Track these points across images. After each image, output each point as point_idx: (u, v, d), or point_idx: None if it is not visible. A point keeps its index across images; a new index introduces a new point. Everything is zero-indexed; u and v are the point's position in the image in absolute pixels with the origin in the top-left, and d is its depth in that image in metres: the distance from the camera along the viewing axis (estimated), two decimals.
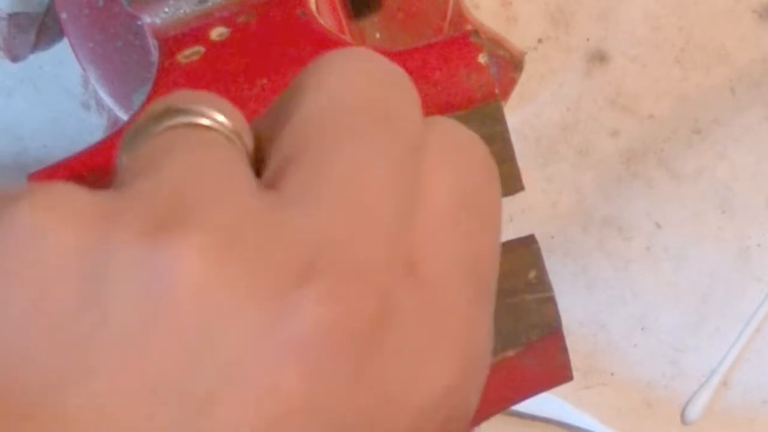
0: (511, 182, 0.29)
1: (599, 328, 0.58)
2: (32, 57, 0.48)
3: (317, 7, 0.31)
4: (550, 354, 0.30)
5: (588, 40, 0.56)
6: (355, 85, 0.20)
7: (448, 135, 0.21)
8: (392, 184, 0.18)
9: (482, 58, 0.29)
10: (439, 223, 0.19)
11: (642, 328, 0.58)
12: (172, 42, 0.30)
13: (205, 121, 0.19)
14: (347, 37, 0.34)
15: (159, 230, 0.17)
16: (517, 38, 0.56)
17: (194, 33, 0.30)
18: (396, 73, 0.21)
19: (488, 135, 0.29)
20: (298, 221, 0.17)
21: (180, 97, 0.20)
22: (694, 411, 0.58)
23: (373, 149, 0.19)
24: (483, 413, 0.30)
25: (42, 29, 0.46)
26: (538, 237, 0.30)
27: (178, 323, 0.16)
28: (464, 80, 0.29)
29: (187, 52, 0.29)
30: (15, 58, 0.47)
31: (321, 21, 0.30)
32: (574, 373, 0.30)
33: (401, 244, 0.18)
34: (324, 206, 0.18)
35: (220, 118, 0.19)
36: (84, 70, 0.41)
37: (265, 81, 0.29)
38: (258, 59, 0.29)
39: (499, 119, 0.29)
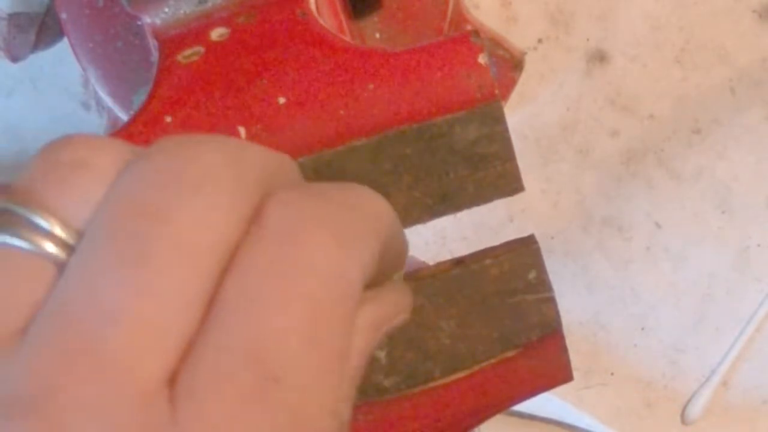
0: (511, 182, 0.29)
1: (599, 328, 0.58)
2: (32, 57, 0.48)
3: (317, 8, 0.31)
4: (550, 354, 0.30)
5: (588, 40, 0.56)
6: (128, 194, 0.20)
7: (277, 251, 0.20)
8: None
9: (482, 59, 0.29)
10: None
11: (642, 328, 0.58)
12: (172, 42, 0.30)
13: (18, 242, 0.19)
14: (347, 38, 0.34)
15: None
16: (517, 38, 0.56)
17: (194, 33, 0.30)
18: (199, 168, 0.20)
19: (488, 135, 0.29)
20: (13, 366, 0.18)
21: (22, 189, 0.20)
22: (694, 411, 0.58)
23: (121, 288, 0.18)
24: (483, 413, 0.30)
25: (42, 29, 0.46)
26: (538, 237, 0.30)
27: None
28: (464, 80, 0.29)
29: (187, 52, 0.29)
30: (15, 58, 0.47)
31: (321, 21, 0.30)
32: (574, 373, 0.30)
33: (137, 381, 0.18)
34: (42, 353, 0.18)
35: (46, 225, 0.19)
36: (84, 70, 0.41)
37: (265, 81, 0.29)
38: (258, 59, 0.29)
39: (499, 119, 0.29)
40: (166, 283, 0.18)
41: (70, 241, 0.19)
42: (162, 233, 0.19)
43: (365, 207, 0.22)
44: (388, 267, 0.24)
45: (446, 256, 0.31)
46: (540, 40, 0.56)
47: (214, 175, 0.20)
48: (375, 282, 0.24)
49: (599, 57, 0.56)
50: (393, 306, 0.24)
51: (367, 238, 0.21)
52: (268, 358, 0.18)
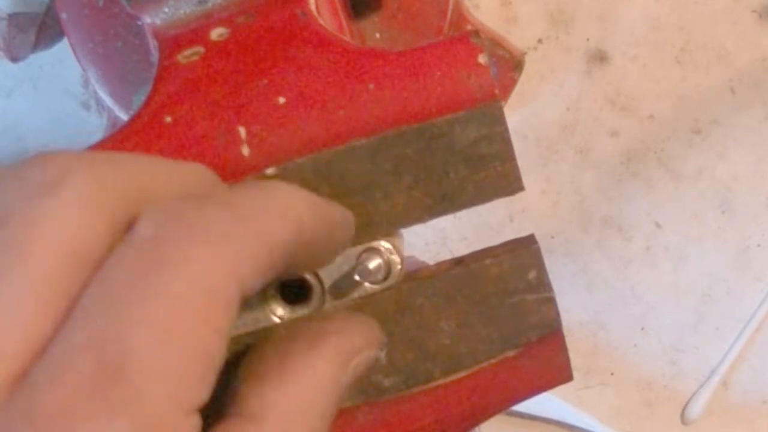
0: (511, 182, 0.29)
1: (599, 328, 0.58)
2: (32, 57, 0.48)
3: (317, 8, 0.31)
4: (550, 354, 0.30)
5: (588, 40, 0.56)
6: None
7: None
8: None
9: (482, 59, 0.29)
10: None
11: (642, 328, 0.58)
12: (172, 42, 0.30)
13: None
14: (347, 38, 0.34)
15: None
16: (517, 38, 0.56)
17: (194, 33, 0.30)
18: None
19: (488, 135, 0.29)
20: None
21: None
22: (694, 411, 0.58)
23: None
24: (483, 413, 0.30)
25: (42, 29, 0.46)
26: (538, 237, 0.30)
27: None
28: (464, 80, 0.29)
29: (187, 52, 0.29)
30: (15, 58, 0.47)
31: (321, 21, 0.30)
32: (574, 373, 0.30)
33: None
34: None
35: None
36: (84, 70, 0.41)
37: (265, 81, 0.29)
38: (258, 59, 0.29)
39: (499, 119, 0.29)
40: (13, 289, 0.19)
41: None
42: (9, 239, 0.19)
43: (263, 209, 0.22)
44: (316, 256, 0.25)
45: (446, 256, 0.31)
46: (540, 40, 0.56)
47: (70, 182, 0.20)
48: (304, 265, 0.24)
49: (599, 57, 0.56)
50: (360, 339, 0.24)
51: (250, 242, 0.21)
52: (111, 349, 0.19)
